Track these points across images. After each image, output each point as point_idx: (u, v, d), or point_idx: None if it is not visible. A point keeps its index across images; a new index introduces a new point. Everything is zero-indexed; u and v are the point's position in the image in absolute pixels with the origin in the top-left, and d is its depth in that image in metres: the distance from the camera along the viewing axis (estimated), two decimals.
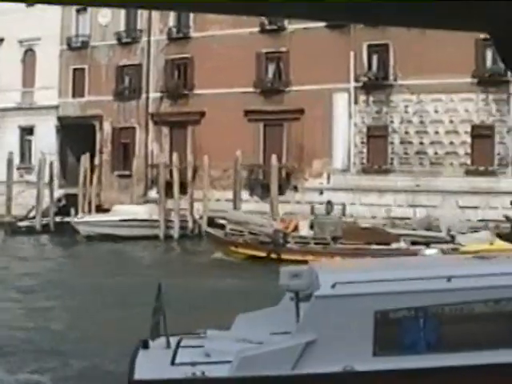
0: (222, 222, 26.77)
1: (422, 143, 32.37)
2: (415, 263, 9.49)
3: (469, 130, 31.78)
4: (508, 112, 31.32)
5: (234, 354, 6.83)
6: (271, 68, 34.98)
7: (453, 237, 22.73)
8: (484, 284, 6.95)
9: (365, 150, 33.27)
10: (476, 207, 31.23)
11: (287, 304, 8.13)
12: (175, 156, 32.79)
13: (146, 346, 7.59)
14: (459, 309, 7.05)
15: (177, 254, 27.85)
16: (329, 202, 28.59)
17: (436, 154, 32.19)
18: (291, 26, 34.18)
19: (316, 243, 23.01)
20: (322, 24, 33.29)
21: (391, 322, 7.01)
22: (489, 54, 31.76)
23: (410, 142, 32.54)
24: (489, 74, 31.42)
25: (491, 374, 6.63)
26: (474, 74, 31.49)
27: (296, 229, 24.52)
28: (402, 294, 6.94)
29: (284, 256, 22.19)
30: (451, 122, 31.95)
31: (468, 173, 31.68)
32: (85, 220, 30.97)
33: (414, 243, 22.72)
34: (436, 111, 32.09)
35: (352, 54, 33.13)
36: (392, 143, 32.81)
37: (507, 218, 26.77)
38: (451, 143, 32.00)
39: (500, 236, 24.25)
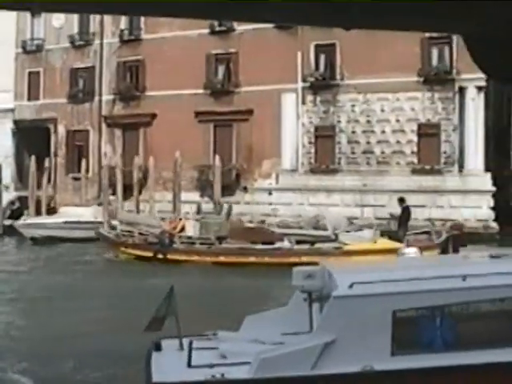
0: (115, 223, 26.88)
1: (368, 142, 32.27)
2: (430, 263, 9.61)
3: (415, 128, 31.69)
4: (453, 110, 31.21)
5: (250, 356, 6.82)
6: (221, 69, 34.94)
7: (336, 235, 22.61)
8: (499, 282, 7.02)
9: (312, 150, 33.18)
10: (423, 206, 31.08)
11: (296, 304, 8.15)
12: (119, 158, 32.74)
13: (158, 348, 7.53)
14: (475, 307, 7.13)
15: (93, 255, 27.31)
16: (219, 203, 28.86)
17: (383, 153, 32.09)
18: (240, 27, 34.17)
19: (201, 243, 22.96)
20: (270, 25, 33.27)
21: (409, 321, 7.05)
22: (435, 53, 31.79)
23: (357, 142, 32.44)
24: (434, 73, 31.36)
25: (510, 371, 6.70)
26: (420, 73, 31.41)
27: (183, 229, 24.58)
28: (419, 294, 6.99)
29: (170, 256, 22.34)
30: (398, 121, 31.86)
31: (414, 172, 31.56)
32: (27, 222, 30.83)
33: (299, 242, 22.62)
34: (382, 110, 32.00)
35: (299, 54, 33.07)
36: (339, 143, 32.71)
37: (391, 216, 26.62)
38: (398, 142, 31.90)
39: (384, 234, 24.07)
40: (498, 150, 32.97)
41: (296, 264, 9.22)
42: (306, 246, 22.13)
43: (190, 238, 23.59)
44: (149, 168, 34.21)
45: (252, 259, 21.72)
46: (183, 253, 22.39)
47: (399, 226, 23.91)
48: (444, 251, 20.92)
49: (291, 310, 8.21)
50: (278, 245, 22.33)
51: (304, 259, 18.69)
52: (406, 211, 24.01)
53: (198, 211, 28.82)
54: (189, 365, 6.99)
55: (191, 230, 24.05)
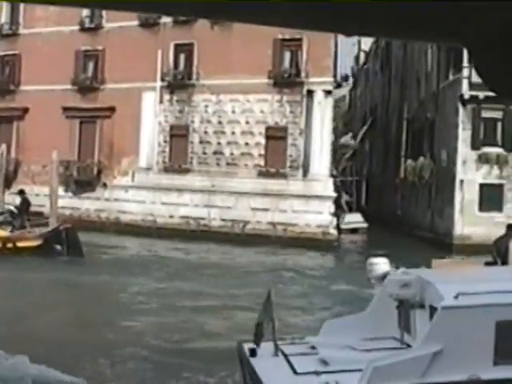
0: None
1: (219, 143, 32.06)
2: None
3: (263, 131, 31.41)
4: (301, 114, 30.87)
5: (355, 363, 7.00)
6: (89, 66, 35.04)
7: None
8: None
9: (167, 149, 33.08)
10: (266, 210, 30.79)
11: (378, 310, 8.45)
12: None
13: (254, 354, 7.61)
14: None
15: None
16: None
17: (232, 154, 31.85)
18: (108, 24, 34.33)
19: None
20: (135, 22, 33.48)
21: (511, 331, 7.23)
22: (287, 55, 31.48)
23: (209, 142, 32.26)
24: (284, 75, 31.04)
25: None
26: (270, 75, 31.13)
27: None
28: None
29: None
30: (247, 122, 31.62)
31: (261, 174, 31.26)
32: None
33: None
34: (233, 111, 31.80)
35: (160, 52, 33.02)
36: (192, 143, 32.56)
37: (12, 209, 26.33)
38: (246, 144, 31.64)
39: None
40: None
41: None
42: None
43: None
44: (21, 162, 34.49)
45: None
46: None
47: (19, 216, 24.57)
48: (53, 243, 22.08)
49: (373, 316, 8.46)
50: None
51: None
52: (24, 202, 25.56)
53: None
54: (295, 372, 7.12)
55: None
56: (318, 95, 30.58)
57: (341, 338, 8.03)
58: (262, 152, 31.35)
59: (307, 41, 30.50)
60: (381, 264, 9.62)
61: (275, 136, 31.17)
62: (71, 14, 34.20)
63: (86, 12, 34.60)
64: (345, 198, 44.25)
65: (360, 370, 6.84)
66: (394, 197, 44.00)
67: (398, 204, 43.60)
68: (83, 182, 34.29)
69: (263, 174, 31.13)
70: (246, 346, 7.86)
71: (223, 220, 31.38)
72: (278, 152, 31.03)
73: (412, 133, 40.18)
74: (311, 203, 30.28)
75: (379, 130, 51.53)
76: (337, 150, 40.30)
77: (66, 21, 34.46)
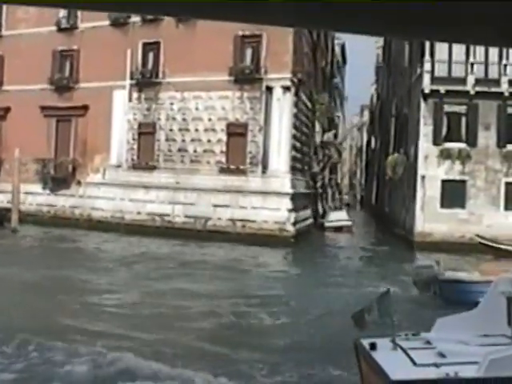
0: None
1: (184, 140, 32.37)
2: None
3: (225, 128, 31.54)
4: (260, 110, 30.89)
5: (472, 356, 7.51)
6: (65, 65, 35.81)
7: None
8: None
9: (135, 147, 33.56)
10: (227, 206, 30.94)
11: (490, 308, 8.91)
12: None
13: (374, 347, 8.02)
14: None
15: None
16: None
17: (195, 151, 32.11)
18: (82, 24, 35.06)
19: None
20: (107, 22, 34.12)
21: None
22: (247, 52, 31.54)
23: (174, 140, 32.60)
24: (244, 72, 31.10)
25: None
26: (231, 72, 31.25)
27: None
28: None
29: None
30: (210, 119, 31.83)
31: (222, 171, 31.42)
32: None
33: None
34: (197, 108, 32.07)
35: (129, 51, 33.52)
36: (158, 140, 32.97)
37: None
38: (209, 141, 31.86)
39: None
40: None
41: None
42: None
43: None
44: (4, 160, 35.58)
45: None
46: None
47: None
48: None
49: (483, 313, 8.91)
50: None
51: None
52: None
53: None
54: (414, 363, 7.66)
55: None
56: (277, 91, 30.55)
57: (453, 334, 8.37)
58: (224, 149, 31.51)
59: (267, 37, 30.53)
60: (428, 267, 9.68)
61: (236, 133, 31.28)
62: (49, 14, 35.13)
63: (62, 12, 35.43)
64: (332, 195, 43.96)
65: (476, 363, 7.24)
66: (383, 194, 43.53)
67: (385, 201, 43.10)
68: (59, 179, 35.11)
69: (224, 171, 31.30)
70: (365, 341, 8.14)
71: (186, 216, 31.68)
72: (238, 149, 31.14)
73: (395, 129, 39.72)
74: (269, 200, 30.28)
75: (380, 127, 51.01)
76: (317, 148, 40.01)
77: (45, 22, 35.37)
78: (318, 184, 42.44)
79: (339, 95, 65.19)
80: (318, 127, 40.60)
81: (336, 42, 58.26)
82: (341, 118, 69.14)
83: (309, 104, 36.42)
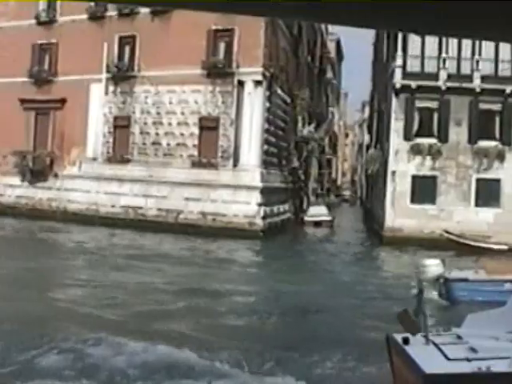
0: None
1: (157, 134, 32.48)
2: None
3: (197, 121, 31.61)
4: (232, 104, 30.92)
5: (503, 351, 7.66)
6: (44, 59, 35.99)
7: None
8: None
9: (111, 140, 33.71)
10: (198, 200, 31.02)
11: None
12: None
13: (407, 342, 8.18)
14: None
15: None
16: None
17: (169, 145, 32.21)
18: (61, 18, 35.24)
19: None
20: (85, 16, 34.28)
21: None
22: (220, 46, 31.57)
23: (148, 133, 32.71)
24: (216, 66, 31.12)
25: None
26: (204, 66, 31.29)
27: None
28: None
29: None
30: (183, 113, 31.92)
31: (194, 165, 31.50)
32: None
33: None
34: (170, 102, 32.15)
35: (106, 45, 33.64)
36: (133, 133, 33.09)
37: None
38: (182, 135, 31.94)
39: None
40: None
41: None
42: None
43: None
44: None
45: None
46: None
47: None
48: None
49: (510, 309, 9.17)
50: None
51: None
52: None
53: None
54: (447, 358, 7.86)
55: None
56: (248, 86, 30.57)
57: (484, 330, 8.46)
58: (196, 142, 31.59)
59: (239, 31, 30.56)
60: (433, 266, 9.69)
61: (208, 126, 31.34)
62: (28, 8, 35.37)
63: (42, 5, 35.65)
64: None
65: (507, 358, 7.39)
66: (368, 190, 43.46)
67: (370, 197, 43.02)
68: (37, 172, 35.33)
69: (196, 165, 31.37)
70: (398, 336, 8.29)
71: (159, 209, 31.80)
72: (210, 142, 31.20)
73: (377, 125, 39.63)
74: (239, 193, 30.33)
75: (371, 123, 50.86)
76: (298, 143, 39.96)
77: (24, 15, 35.60)
78: (302, 178, 42.41)
79: (333, 91, 64.97)
80: (300, 122, 40.57)
81: (330, 37, 58.11)
82: (335, 114, 68.91)
83: (287, 99, 36.37)
